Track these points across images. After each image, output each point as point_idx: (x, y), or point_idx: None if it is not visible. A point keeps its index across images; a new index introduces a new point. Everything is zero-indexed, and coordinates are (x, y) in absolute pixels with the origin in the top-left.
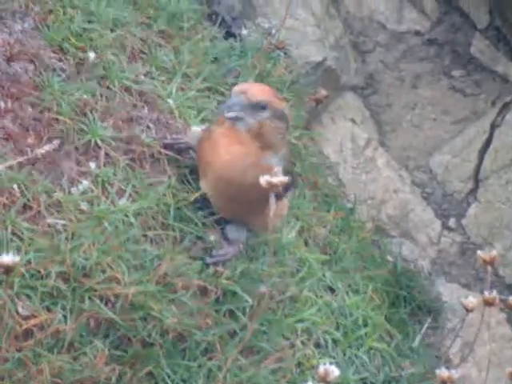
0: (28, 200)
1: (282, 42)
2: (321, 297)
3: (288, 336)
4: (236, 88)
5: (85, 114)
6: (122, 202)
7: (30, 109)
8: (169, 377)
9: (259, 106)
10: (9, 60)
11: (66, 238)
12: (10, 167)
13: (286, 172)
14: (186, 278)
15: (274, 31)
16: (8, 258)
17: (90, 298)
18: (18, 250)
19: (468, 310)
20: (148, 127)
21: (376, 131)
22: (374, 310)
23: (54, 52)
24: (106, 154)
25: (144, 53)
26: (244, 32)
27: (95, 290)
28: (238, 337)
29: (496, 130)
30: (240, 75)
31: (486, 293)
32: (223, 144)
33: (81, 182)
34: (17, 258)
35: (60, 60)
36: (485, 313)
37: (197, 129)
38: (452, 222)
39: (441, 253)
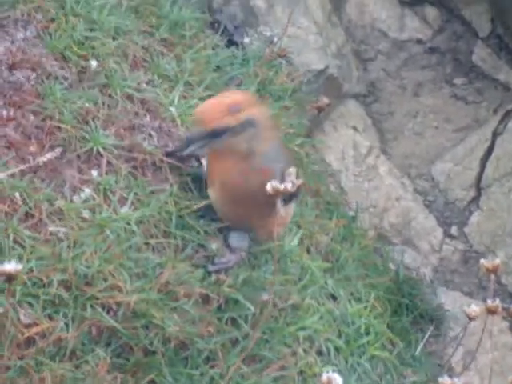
0: (30, 208)
1: (284, 50)
2: (323, 304)
3: (290, 344)
4: (195, 114)
5: (87, 122)
6: (124, 210)
7: (32, 117)
8: None
9: (215, 134)
10: (11, 68)
11: (68, 246)
12: (12, 175)
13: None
14: (188, 286)
15: (276, 39)
16: (10, 266)
17: (91, 306)
18: (20, 258)
19: (470, 319)
20: (150, 135)
21: (378, 139)
22: (376, 318)
23: (56, 60)
24: (108, 162)
25: (146, 61)
26: (246, 40)
27: (97, 298)
28: (240, 345)
29: (498, 137)
30: (242, 83)
31: (489, 301)
32: (218, 156)
33: (83, 190)
34: (19, 266)
35: (62, 68)
36: (487, 321)
37: None
38: (454, 230)
39: (443, 261)
